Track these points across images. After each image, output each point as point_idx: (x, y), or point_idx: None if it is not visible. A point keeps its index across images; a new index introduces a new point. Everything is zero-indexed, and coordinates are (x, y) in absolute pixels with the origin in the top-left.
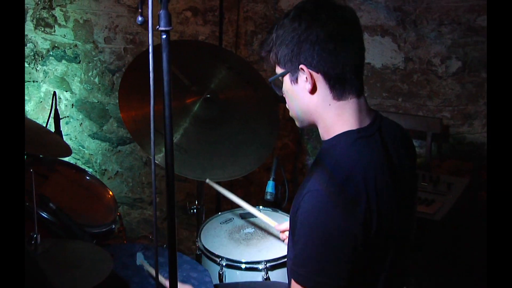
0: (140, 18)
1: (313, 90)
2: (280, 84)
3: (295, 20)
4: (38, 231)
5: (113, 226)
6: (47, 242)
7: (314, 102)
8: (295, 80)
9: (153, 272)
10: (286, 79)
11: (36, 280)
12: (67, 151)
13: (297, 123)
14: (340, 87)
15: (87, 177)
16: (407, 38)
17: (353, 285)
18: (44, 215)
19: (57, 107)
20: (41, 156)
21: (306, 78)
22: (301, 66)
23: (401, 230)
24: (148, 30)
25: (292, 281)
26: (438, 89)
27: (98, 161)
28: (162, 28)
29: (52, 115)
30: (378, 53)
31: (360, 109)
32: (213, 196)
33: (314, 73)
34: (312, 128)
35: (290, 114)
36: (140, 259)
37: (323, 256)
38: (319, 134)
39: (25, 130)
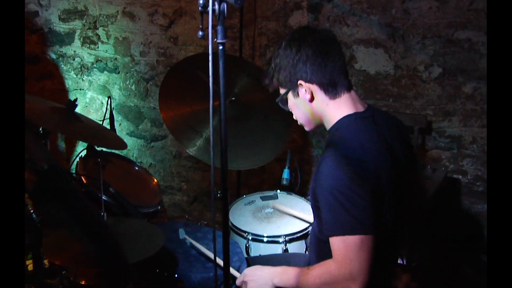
0: (200, 33)
1: (312, 98)
2: (285, 102)
3: (286, 48)
4: (104, 211)
5: (159, 207)
6: (110, 220)
7: (315, 107)
8: (296, 95)
9: (194, 244)
10: (290, 96)
11: (115, 244)
12: (123, 145)
13: (306, 129)
14: (332, 89)
15: (136, 167)
16: (397, 49)
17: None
18: (105, 198)
19: (112, 110)
20: (97, 148)
21: (305, 90)
22: (299, 81)
23: (400, 201)
24: (186, 45)
25: (332, 240)
26: (423, 91)
27: (135, 155)
28: (219, 41)
29: (107, 116)
30: (372, 62)
31: (352, 100)
32: (234, 183)
33: (310, 85)
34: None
35: (299, 123)
36: (182, 234)
37: (348, 205)
38: (323, 128)
39: (91, 128)
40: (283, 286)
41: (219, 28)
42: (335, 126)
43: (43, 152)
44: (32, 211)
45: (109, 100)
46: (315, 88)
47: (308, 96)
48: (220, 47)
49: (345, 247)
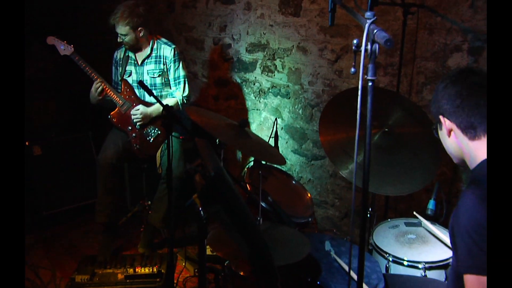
0: (353, 70)
1: (449, 134)
2: (436, 131)
3: (441, 83)
4: (261, 216)
5: (310, 219)
6: (265, 224)
7: (456, 143)
8: (440, 127)
9: (336, 258)
10: (438, 127)
11: (263, 248)
12: (283, 160)
13: (454, 161)
14: (472, 131)
15: (293, 182)
16: None
17: None
18: (264, 204)
19: (277, 130)
20: (263, 162)
21: (445, 125)
22: (440, 116)
23: None
24: (349, 77)
25: (466, 277)
26: None
27: (296, 170)
28: (369, 77)
29: (273, 134)
30: None
31: None
32: (382, 205)
33: (449, 122)
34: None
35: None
36: (328, 246)
37: (483, 244)
38: None
39: (257, 144)
40: None
41: (370, 66)
42: (479, 165)
43: (213, 161)
44: (200, 209)
45: (275, 121)
46: (453, 126)
47: (446, 132)
48: (370, 84)
49: (479, 286)
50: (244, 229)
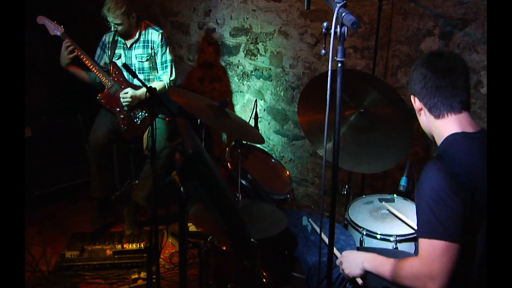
0: (323, 51)
1: (420, 112)
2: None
3: (415, 64)
4: (240, 193)
5: (288, 196)
6: (244, 201)
7: (425, 120)
8: (414, 106)
9: (316, 229)
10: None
11: (240, 223)
12: (262, 140)
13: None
14: (436, 110)
15: (272, 160)
16: None
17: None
18: (243, 182)
19: (257, 111)
20: (244, 142)
21: (416, 104)
22: (412, 96)
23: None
24: (328, 60)
25: (420, 240)
26: None
27: (278, 150)
28: (339, 59)
29: (253, 115)
30: None
31: (460, 121)
32: (359, 183)
33: (418, 101)
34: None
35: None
36: (305, 221)
37: (439, 213)
38: None
39: (237, 124)
40: (372, 271)
41: (339, 48)
42: (443, 141)
43: (192, 139)
44: (180, 186)
45: (255, 102)
46: (422, 106)
47: (417, 110)
48: (339, 65)
49: (429, 248)
50: (221, 205)
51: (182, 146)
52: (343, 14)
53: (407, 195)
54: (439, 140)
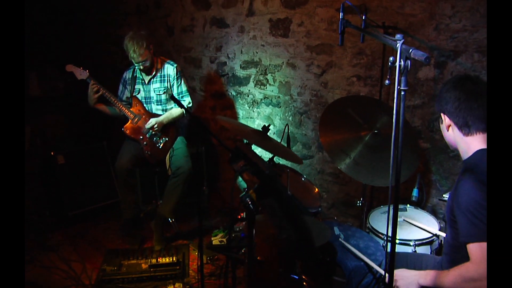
0: (387, 81)
1: (448, 129)
2: (439, 123)
3: (445, 84)
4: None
5: (319, 209)
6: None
7: (452, 136)
8: (441, 121)
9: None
10: (440, 120)
11: (307, 231)
12: (300, 160)
13: (450, 147)
14: (466, 128)
15: (303, 178)
16: None
17: None
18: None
19: (289, 134)
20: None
21: (445, 121)
22: (442, 114)
23: None
24: (334, 88)
25: (469, 246)
26: None
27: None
28: (402, 88)
29: (285, 138)
30: None
31: (484, 139)
32: (368, 196)
33: (448, 120)
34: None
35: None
36: (337, 231)
37: (482, 217)
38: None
39: (278, 146)
40: (429, 285)
41: (402, 78)
42: (471, 157)
43: (264, 162)
44: (250, 202)
45: (286, 126)
46: (452, 123)
47: (445, 126)
48: (402, 93)
49: (481, 251)
50: (293, 217)
51: (249, 166)
52: (410, 50)
53: (418, 204)
54: (464, 154)
